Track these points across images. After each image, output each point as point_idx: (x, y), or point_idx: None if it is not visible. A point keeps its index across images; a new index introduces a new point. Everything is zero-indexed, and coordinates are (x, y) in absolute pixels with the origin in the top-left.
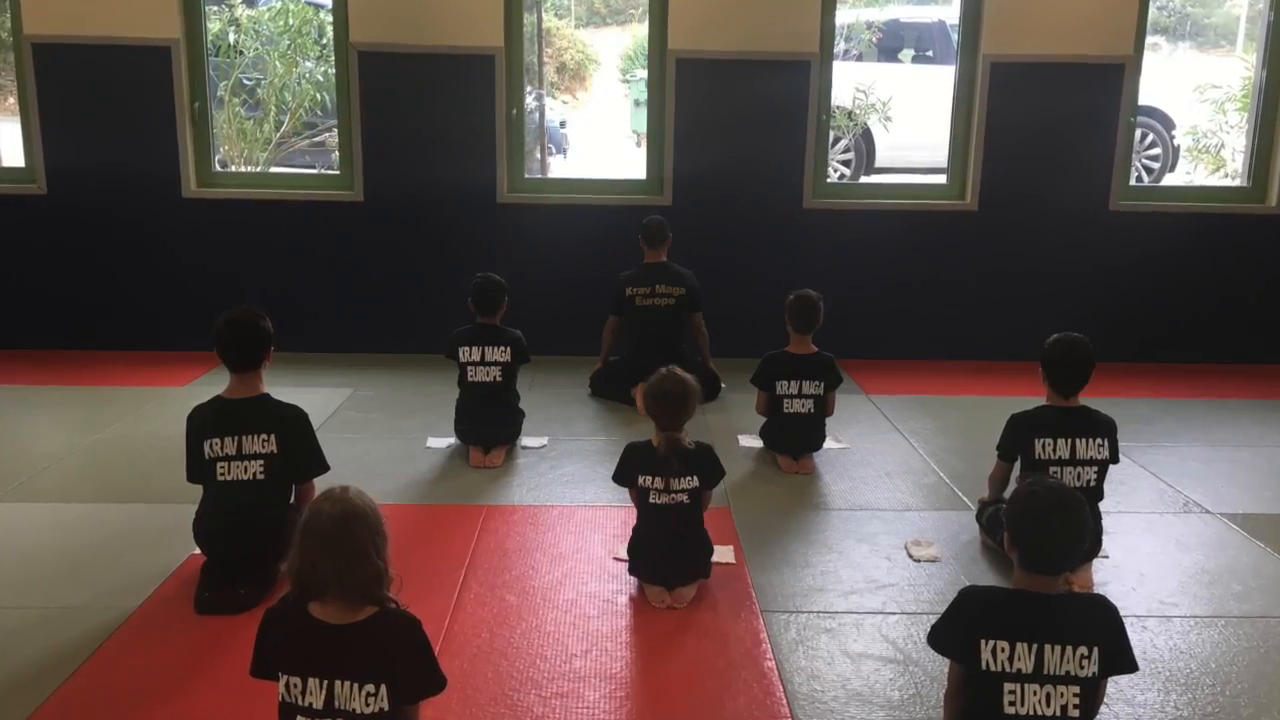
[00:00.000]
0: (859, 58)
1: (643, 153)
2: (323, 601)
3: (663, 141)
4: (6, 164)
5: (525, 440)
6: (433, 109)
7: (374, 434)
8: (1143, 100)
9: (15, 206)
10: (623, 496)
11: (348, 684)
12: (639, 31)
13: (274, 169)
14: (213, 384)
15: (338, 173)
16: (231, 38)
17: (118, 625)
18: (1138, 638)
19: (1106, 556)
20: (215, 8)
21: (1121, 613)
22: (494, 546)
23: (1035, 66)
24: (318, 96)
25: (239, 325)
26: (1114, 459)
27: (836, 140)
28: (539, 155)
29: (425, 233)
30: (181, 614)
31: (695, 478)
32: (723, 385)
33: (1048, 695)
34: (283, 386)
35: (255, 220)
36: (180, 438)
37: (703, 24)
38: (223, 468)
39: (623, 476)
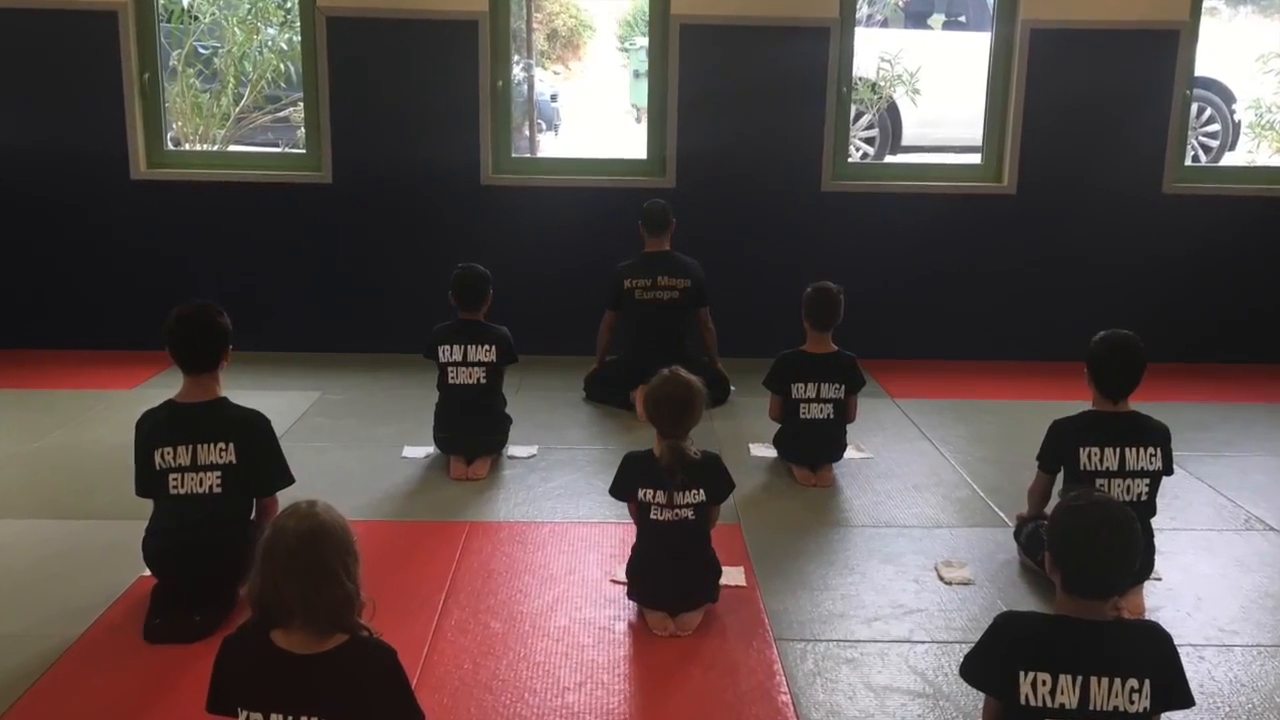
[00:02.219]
0: (884, 23)
1: (643, 129)
2: (287, 629)
3: (665, 117)
4: None
5: (512, 449)
6: (409, 81)
7: (344, 443)
8: (1200, 71)
9: None
10: (621, 512)
11: None
12: None
13: (233, 147)
14: (164, 386)
15: (304, 152)
16: (185, 1)
17: (58, 655)
18: (1194, 669)
19: (1159, 579)
20: None
21: (1176, 641)
22: (477, 567)
23: (1080, 33)
24: (281, 67)
25: (193, 322)
26: (1167, 470)
27: (858, 115)
28: (527, 132)
29: (401, 218)
30: (129, 642)
31: (701, 491)
32: (732, 388)
33: None
34: (243, 389)
35: (212, 204)
36: (128, 447)
37: None
38: (175, 480)
39: (621, 489)
